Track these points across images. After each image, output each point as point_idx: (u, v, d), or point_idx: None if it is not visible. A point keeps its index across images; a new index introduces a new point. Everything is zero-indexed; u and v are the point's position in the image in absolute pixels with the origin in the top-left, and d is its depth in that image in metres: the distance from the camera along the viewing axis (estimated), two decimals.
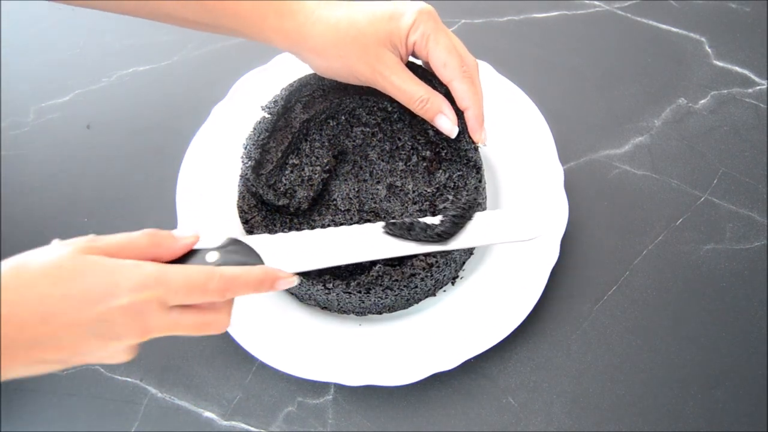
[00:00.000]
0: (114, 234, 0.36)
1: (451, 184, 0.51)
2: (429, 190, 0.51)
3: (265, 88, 0.61)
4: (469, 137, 0.49)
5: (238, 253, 0.40)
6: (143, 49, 0.73)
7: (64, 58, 0.73)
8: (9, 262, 0.33)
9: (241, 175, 0.52)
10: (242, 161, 0.51)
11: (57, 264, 0.33)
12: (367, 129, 0.55)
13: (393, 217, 0.51)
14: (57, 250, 0.34)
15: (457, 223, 0.44)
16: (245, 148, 0.51)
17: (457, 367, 0.48)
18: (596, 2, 0.72)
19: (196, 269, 0.36)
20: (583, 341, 0.52)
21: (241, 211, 0.51)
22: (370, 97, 0.54)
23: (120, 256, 0.35)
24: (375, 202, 0.52)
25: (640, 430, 0.48)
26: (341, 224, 0.50)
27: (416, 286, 0.49)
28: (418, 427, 0.49)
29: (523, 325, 0.50)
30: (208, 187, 0.58)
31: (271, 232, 0.50)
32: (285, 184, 0.52)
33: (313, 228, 0.52)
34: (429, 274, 0.48)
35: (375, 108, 0.54)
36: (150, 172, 0.64)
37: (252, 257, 0.40)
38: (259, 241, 0.42)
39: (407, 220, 0.44)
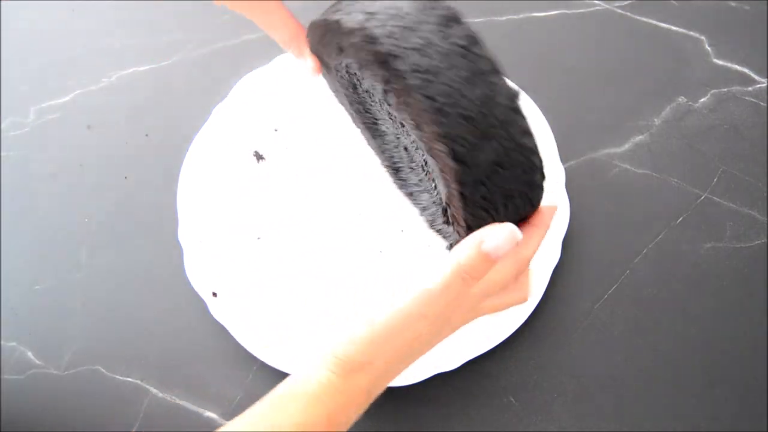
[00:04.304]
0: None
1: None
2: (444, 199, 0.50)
3: (266, 89, 0.61)
4: None
5: None
6: (143, 49, 0.73)
7: (64, 58, 0.73)
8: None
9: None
10: None
11: None
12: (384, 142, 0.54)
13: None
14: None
15: None
16: None
17: (458, 366, 0.48)
18: (596, 1, 0.71)
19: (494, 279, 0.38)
20: (583, 340, 0.52)
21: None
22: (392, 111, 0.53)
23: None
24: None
25: (640, 430, 0.49)
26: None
27: None
28: (418, 426, 0.49)
29: (523, 323, 0.50)
30: (209, 187, 0.58)
31: None
32: None
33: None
34: None
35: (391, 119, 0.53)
36: (150, 172, 0.64)
37: None
38: None
39: None
